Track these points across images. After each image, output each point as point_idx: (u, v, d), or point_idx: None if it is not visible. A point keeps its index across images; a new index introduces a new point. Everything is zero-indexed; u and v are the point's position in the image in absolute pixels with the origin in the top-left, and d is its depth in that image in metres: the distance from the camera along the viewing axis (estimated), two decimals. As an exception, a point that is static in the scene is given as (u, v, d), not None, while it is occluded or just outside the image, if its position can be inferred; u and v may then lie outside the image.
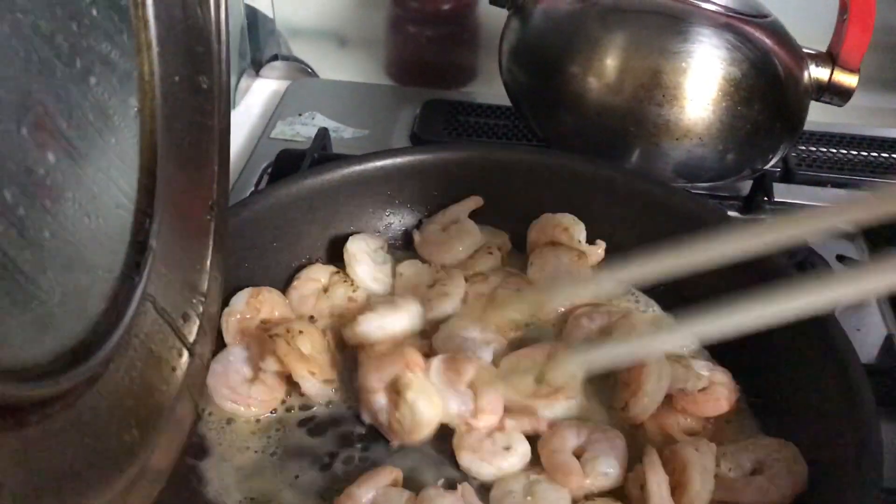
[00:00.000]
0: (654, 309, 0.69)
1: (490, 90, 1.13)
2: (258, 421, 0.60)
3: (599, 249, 0.71)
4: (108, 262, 0.46)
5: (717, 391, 0.60)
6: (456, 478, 0.57)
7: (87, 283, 0.44)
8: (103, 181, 0.46)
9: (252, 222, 0.67)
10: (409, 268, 0.69)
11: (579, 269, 0.71)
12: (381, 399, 0.58)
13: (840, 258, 0.82)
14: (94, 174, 0.45)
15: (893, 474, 0.58)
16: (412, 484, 0.56)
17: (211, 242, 0.56)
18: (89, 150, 0.44)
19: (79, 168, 0.42)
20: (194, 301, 0.55)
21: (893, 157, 1.00)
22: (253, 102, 1.11)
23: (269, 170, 0.92)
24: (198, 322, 0.55)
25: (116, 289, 0.46)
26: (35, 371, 0.37)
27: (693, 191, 0.86)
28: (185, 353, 0.53)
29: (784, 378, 0.60)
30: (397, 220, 0.75)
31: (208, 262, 0.56)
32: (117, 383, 0.45)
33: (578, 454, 0.56)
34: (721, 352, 0.65)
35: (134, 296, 0.47)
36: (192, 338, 0.54)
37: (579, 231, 0.72)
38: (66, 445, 0.39)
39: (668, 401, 0.59)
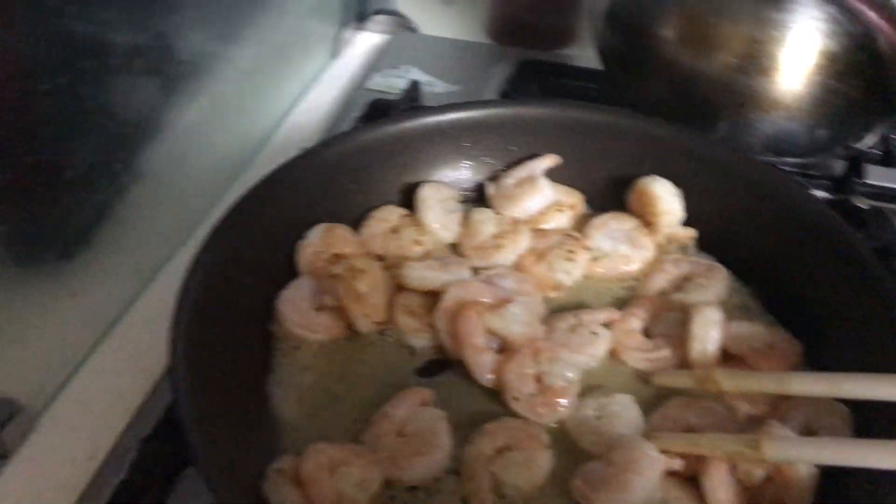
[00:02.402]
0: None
1: (586, 54, 1.13)
2: (321, 345, 0.64)
3: (688, 235, 0.72)
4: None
5: (784, 347, 0.61)
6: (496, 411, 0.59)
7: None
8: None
9: (333, 163, 0.70)
10: (479, 215, 0.71)
11: (639, 238, 0.72)
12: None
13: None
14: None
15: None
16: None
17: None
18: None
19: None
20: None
21: None
22: (354, 54, 1.14)
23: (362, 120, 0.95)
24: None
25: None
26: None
27: (781, 167, 0.85)
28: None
29: (840, 344, 0.60)
30: (472, 172, 0.77)
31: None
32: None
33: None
34: (775, 309, 0.66)
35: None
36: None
37: (669, 202, 0.71)
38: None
39: (739, 358, 0.60)
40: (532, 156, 0.76)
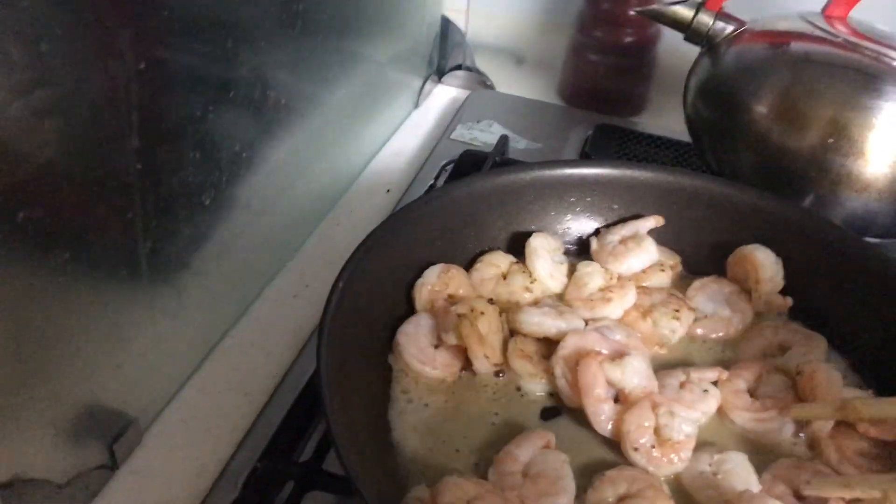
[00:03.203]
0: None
1: (657, 122, 1.17)
2: (439, 382, 0.65)
3: (785, 302, 0.74)
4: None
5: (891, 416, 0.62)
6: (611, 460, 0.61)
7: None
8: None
9: (449, 206, 0.73)
10: (586, 268, 0.74)
11: (738, 302, 0.74)
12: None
13: None
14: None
15: None
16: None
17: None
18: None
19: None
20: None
21: None
22: (433, 105, 1.18)
23: (448, 167, 0.99)
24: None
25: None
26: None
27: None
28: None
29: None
30: (575, 226, 0.80)
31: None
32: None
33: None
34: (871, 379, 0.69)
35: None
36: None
37: (772, 270, 0.74)
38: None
39: (847, 425, 0.62)
40: (636, 215, 0.78)
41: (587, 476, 0.59)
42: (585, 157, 1.04)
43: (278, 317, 0.81)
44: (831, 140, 0.81)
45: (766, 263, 0.73)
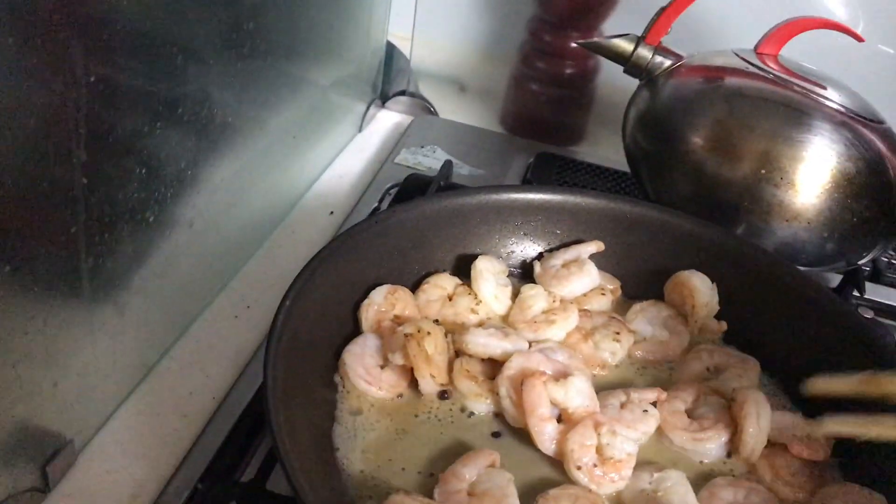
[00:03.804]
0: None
1: (595, 151, 1.20)
2: (385, 402, 0.66)
3: (720, 326, 0.76)
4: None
5: (821, 438, 0.65)
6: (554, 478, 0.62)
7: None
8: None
9: (396, 228, 0.74)
10: (530, 290, 0.75)
11: (676, 325, 0.76)
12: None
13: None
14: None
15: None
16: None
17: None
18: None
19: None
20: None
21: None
22: (377, 129, 1.19)
23: (392, 190, 0.99)
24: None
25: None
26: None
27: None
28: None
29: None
30: (519, 250, 0.81)
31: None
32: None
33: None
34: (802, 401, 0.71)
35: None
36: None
37: (707, 296, 0.76)
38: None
39: (779, 446, 0.64)
40: (577, 240, 0.80)
41: (532, 495, 0.60)
42: (526, 184, 1.05)
43: (218, 337, 0.80)
44: (763, 171, 0.84)
45: (701, 289, 0.76)
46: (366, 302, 0.70)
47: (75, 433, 0.65)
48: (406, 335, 0.65)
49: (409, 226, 0.74)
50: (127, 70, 0.59)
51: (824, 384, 0.64)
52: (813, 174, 0.83)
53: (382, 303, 0.70)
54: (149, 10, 0.60)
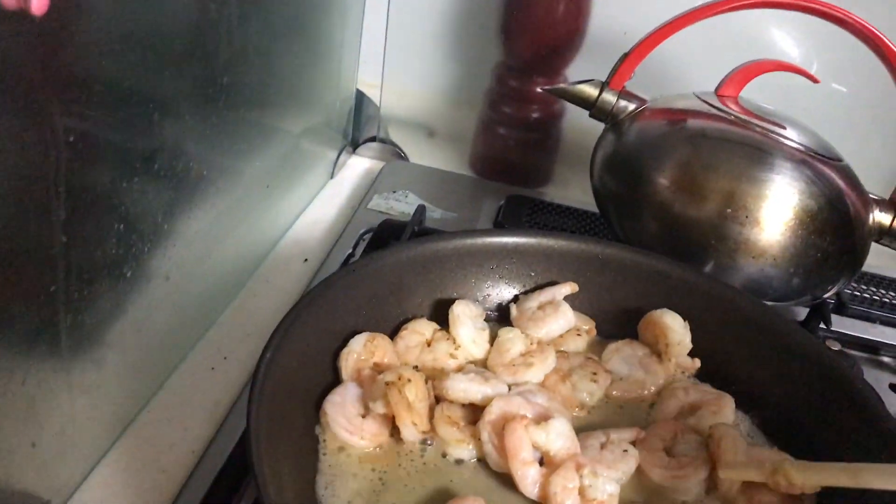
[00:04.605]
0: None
1: (563, 193, 1.23)
2: (367, 452, 0.66)
3: (693, 364, 0.78)
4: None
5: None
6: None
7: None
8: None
9: (374, 275, 0.74)
10: (507, 334, 0.76)
11: (651, 364, 0.78)
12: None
13: (892, 386, 0.88)
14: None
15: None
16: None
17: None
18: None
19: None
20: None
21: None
22: (348, 176, 1.20)
23: (367, 236, 1.00)
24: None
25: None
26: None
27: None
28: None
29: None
30: (495, 293, 0.82)
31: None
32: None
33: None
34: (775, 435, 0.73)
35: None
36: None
37: (680, 334, 0.77)
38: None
39: (760, 485, 0.65)
40: (552, 282, 0.81)
41: (517, 540, 0.60)
42: (500, 227, 1.07)
43: (196, 390, 0.80)
44: (728, 210, 0.87)
45: (674, 327, 0.77)
46: (345, 350, 0.70)
47: (53, 494, 0.64)
48: (387, 383, 0.65)
49: (385, 272, 0.75)
50: (105, 128, 0.60)
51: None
52: (776, 212, 0.86)
53: (362, 351, 0.70)
54: (127, 69, 0.61)
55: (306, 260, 1.00)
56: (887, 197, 0.93)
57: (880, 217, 0.92)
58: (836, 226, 0.88)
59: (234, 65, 0.79)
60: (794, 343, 0.75)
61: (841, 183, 0.90)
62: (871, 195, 0.93)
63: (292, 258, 1.00)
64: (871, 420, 0.67)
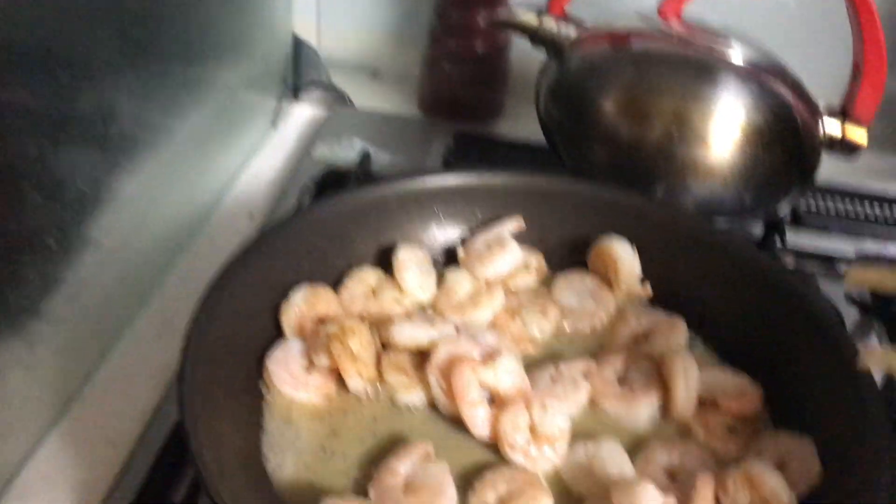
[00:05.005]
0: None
1: (514, 126, 1.20)
2: (314, 405, 0.64)
3: (645, 290, 0.77)
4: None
5: (751, 390, 0.66)
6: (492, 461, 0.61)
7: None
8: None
9: (312, 226, 0.72)
10: (454, 275, 0.74)
11: (602, 294, 0.76)
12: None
13: (849, 297, 0.88)
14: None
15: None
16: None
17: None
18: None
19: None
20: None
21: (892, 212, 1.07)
22: (291, 125, 1.16)
23: (313, 185, 0.97)
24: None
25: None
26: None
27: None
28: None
29: (795, 381, 0.66)
30: (441, 235, 0.80)
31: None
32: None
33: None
34: (730, 356, 0.72)
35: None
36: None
37: (629, 261, 0.76)
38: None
39: (710, 403, 0.65)
40: (497, 218, 0.79)
41: (470, 481, 0.60)
42: (447, 166, 1.05)
43: (141, 359, 0.77)
44: (675, 131, 0.85)
45: (622, 254, 0.76)
46: (286, 304, 0.68)
47: (-3, 474, 0.63)
48: (329, 335, 0.64)
49: (325, 222, 0.73)
50: (10, 92, 0.57)
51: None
52: (723, 129, 0.84)
53: (303, 304, 0.69)
54: (27, 26, 0.57)
55: (251, 216, 0.97)
56: (837, 107, 0.91)
57: (831, 127, 0.90)
58: (784, 139, 0.86)
59: (147, 18, 0.75)
60: (744, 261, 0.74)
61: (788, 95, 0.88)
62: (820, 106, 0.91)
63: (237, 215, 0.97)
64: (825, 335, 0.67)
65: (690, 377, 0.65)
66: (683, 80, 0.86)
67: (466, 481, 0.60)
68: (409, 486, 0.58)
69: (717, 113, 0.84)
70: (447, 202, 0.79)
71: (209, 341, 0.60)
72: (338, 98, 1.21)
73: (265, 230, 0.69)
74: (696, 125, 0.84)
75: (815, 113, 0.90)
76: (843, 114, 0.90)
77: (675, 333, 0.72)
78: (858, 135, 0.90)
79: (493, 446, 0.63)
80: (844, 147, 0.91)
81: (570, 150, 0.94)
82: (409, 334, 0.66)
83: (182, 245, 0.91)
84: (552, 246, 0.81)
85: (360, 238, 0.76)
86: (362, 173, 0.94)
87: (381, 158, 1.06)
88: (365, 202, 0.75)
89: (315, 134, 1.12)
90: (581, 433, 0.64)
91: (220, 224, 0.96)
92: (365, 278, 0.73)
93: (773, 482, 0.57)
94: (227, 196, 1.01)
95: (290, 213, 0.73)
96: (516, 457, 0.61)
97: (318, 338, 0.65)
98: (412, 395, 0.65)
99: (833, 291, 0.88)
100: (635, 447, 0.64)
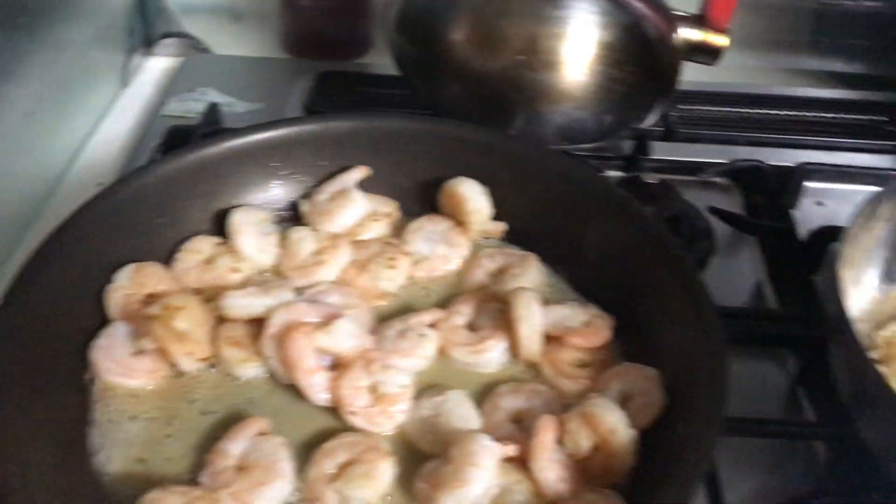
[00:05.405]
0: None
1: (384, 61, 1.14)
2: (143, 390, 0.61)
3: (499, 229, 0.74)
4: None
5: (598, 323, 0.65)
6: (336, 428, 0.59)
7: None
8: None
9: (133, 200, 0.68)
10: (296, 234, 0.71)
11: (454, 237, 0.74)
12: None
13: (713, 210, 0.86)
14: None
15: (748, 405, 0.64)
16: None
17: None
18: None
19: None
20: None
21: (765, 113, 1.05)
22: (145, 81, 1.10)
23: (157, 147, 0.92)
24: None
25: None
26: None
27: (576, 153, 0.90)
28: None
29: (646, 313, 0.65)
30: (284, 192, 0.76)
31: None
32: None
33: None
34: (587, 289, 0.70)
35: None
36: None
37: (478, 201, 0.74)
38: None
39: (558, 340, 0.64)
40: (343, 169, 0.76)
41: (313, 451, 0.58)
42: (308, 111, 1.00)
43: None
44: (522, 57, 0.81)
45: (469, 195, 0.73)
46: (109, 287, 0.64)
47: None
48: (150, 317, 0.60)
49: (149, 192, 0.69)
50: None
51: None
52: (573, 51, 0.81)
53: (129, 284, 0.65)
54: None
55: (100, 185, 0.91)
56: (695, 12, 0.89)
57: (688, 34, 0.87)
58: (636, 54, 0.83)
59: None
60: (591, 189, 0.72)
61: (640, 6, 0.84)
62: (676, 12, 0.88)
63: (85, 185, 0.92)
64: (672, 265, 0.65)
65: (533, 315, 0.64)
66: (531, 1, 0.82)
67: (311, 451, 0.58)
68: (243, 466, 0.56)
69: (566, 34, 0.80)
70: (287, 155, 0.75)
71: (23, 334, 0.56)
72: (193, 46, 1.15)
73: (78, 210, 0.64)
74: (543, 49, 0.80)
75: (670, 21, 0.86)
76: (701, 20, 0.87)
77: (527, 270, 0.70)
78: (718, 39, 0.88)
79: (337, 412, 0.61)
80: (705, 52, 0.88)
81: (425, 84, 0.90)
82: (241, 305, 0.63)
83: (27, 220, 0.86)
84: (407, 192, 0.78)
85: (192, 205, 0.71)
86: (209, 128, 0.89)
87: (237, 108, 1.01)
88: (191, 165, 0.71)
89: (168, 89, 1.06)
90: (430, 385, 0.63)
91: (69, 196, 0.91)
92: (197, 248, 0.70)
93: (611, 419, 0.56)
94: (76, 165, 0.95)
95: (108, 185, 0.67)
96: (358, 421, 0.59)
97: (142, 320, 0.62)
98: (250, 369, 0.63)
99: (698, 200, 0.86)
100: (486, 393, 0.63)
